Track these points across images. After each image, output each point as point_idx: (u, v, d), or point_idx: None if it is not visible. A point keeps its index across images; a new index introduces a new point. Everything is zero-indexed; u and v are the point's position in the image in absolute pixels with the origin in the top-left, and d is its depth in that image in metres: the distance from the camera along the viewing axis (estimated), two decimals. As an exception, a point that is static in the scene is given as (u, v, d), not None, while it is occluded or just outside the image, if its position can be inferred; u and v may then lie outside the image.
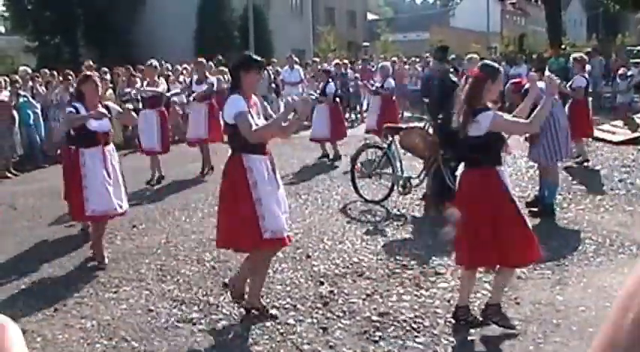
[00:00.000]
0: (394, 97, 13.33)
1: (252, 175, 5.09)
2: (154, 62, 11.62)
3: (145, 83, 11.41)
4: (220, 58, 20.36)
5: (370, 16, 67.53)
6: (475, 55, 13.11)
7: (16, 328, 0.99)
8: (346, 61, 22.48)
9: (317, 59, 23.82)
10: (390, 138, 9.10)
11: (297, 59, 20.87)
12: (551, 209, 8.26)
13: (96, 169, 6.73)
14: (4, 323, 0.98)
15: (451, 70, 9.80)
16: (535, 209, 8.27)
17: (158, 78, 12.07)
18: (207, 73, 12.25)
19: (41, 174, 12.79)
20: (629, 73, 19.76)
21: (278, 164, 11.42)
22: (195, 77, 12.46)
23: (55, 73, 15.87)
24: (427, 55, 24.47)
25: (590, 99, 11.59)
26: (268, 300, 5.72)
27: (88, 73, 7.76)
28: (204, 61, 13.04)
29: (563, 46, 31.06)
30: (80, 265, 6.98)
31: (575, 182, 10.18)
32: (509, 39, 58.00)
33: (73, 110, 6.83)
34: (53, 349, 4.96)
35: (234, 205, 5.13)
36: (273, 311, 5.45)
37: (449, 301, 5.60)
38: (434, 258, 6.69)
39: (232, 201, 5.15)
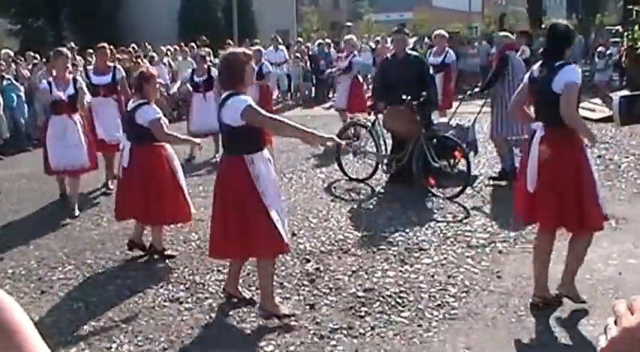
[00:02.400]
0: (359, 76, 13.15)
1: (260, 183, 4.83)
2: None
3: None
4: (204, 38, 20.25)
5: (353, -4, 67.18)
6: (442, 31, 13.21)
7: (18, 307, 0.98)
8: (329, 41, 22.45)
9: (300, 39, 23.79)
10: (374, 117, 9.14)
11: (281, 39, 20.86)
12: (512, 172, 8.25)
13: (59, 133, 8.19)
14: (5, 302, 0.96)
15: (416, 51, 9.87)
16: (502, 183, 8.66)
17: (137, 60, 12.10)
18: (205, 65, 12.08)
19: (27, 158, 12.71)
20: (608, 52, 19.87)
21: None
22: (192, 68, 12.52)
23: (39, 55, 15.75)
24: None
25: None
26: (254, 278, 5.78)
27: (60, 48, 8.37)
28: (204, 53, 13.07)
29: (543, 26, 31.13)
30: (67, 247, 6.99)
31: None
32: (491, 18, 58.01)
33: (47, 86, 8.11)
34: (41, 331, 4.94)
35: (246, 216, 4.86)
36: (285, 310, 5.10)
37: (433, 276, 5.70)
38: (418, 234, 6.78)
39: (242, 212, 4.86)
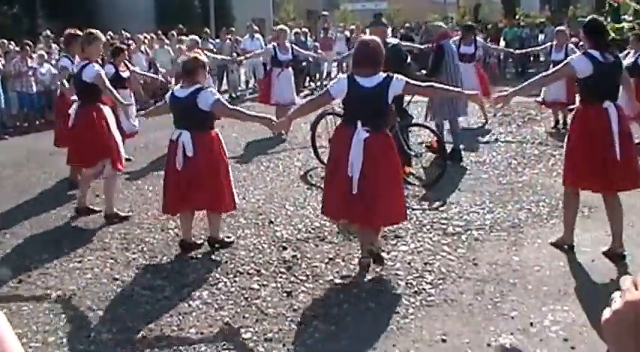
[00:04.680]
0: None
1: None
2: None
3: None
4: (181, 27, 20.13)
5: (329, -15, 67.00)
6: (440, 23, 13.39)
7: (4, 320, 1.02)
8: (305, 30, 22.42)
9: (277, 28, 23.73)
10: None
11: (257, 28, 20.76)
12: (459, 151, 9.59)
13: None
14: None
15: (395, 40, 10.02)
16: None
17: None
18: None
19: (1, 146, 12.59)
20: (581, 43, 20.02)
21: (239, 131, 11.51)
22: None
23: (13, 43, 15.58)
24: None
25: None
26: (232, 266, 5.81)
27: (92, 31, 7.63)
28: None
29: (517, 17, 31.37)
30: (44, 236, 6.96)
31: (528, 147, 10.44)
32: (465, 9, 58.17)
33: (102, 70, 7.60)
34: (19, 320, 4.94)
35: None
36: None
37: (409, 263, 5.76)
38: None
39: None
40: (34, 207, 8.04)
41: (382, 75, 5.34)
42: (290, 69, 12.65)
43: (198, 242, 6.40)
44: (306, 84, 20.48)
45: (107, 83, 7.36)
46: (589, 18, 6.31)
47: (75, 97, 7.87)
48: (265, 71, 19.86)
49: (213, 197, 6.07)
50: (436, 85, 6.32)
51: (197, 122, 6.00)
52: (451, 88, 6.98)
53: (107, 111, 7.45)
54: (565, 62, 5.99)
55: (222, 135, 6.36)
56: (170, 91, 6.39)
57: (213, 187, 6.05)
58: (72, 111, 7.57)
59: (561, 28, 12.67)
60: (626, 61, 10.49)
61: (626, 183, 5.72)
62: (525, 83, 6.26)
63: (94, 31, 7.58)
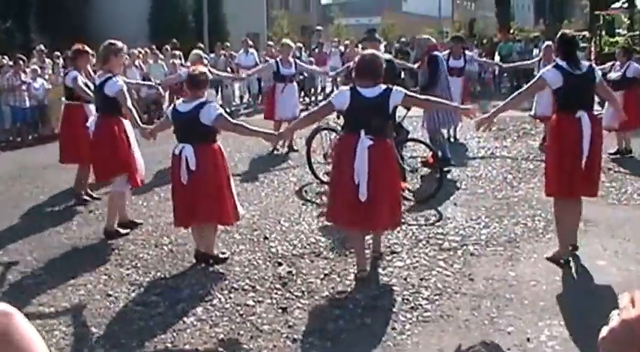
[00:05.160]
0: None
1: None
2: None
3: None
4: (175, 41, 20.15)
5: (324, 0, 67.40)
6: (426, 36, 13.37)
7: (22, 317, 1.03)
8: (300, 45, 22.46)
9: (271, 43, 23.77)
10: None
11: (251, 43, 20.80)
12: (448, 161, 9.76)
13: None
14: (11, 312, 1.02)
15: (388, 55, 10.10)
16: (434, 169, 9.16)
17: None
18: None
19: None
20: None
21: (234, 147, 11.49)
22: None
23: (7, 57, 15.56)
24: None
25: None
26: (227, 282, 5.77)
27: (114, 42, 7.43)
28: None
29: (511, 31, 31.58)
30: (36, 252, 6.90)
31: (524, 161, 10.45)
32: (460, 24, 58.55)
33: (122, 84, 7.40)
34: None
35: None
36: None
37: (405, 279, 5.72)
38: (390, 237, 6.80)
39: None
40: (26, 223, 7.99)
41: (382, 86, 5.55)
42: (294, 84, 12.50)
43: (223, 256, 6.40)
44: (300, 99, 20.47)
45: (128, 101, 7.19)
46: (560, 32, 6.61)
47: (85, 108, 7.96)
48: (260, 86, 19.96)
49: (218, 210, 6.08)
50: (432, 98, 6.60)
51: (200, 136, 6.00)
52: (447, 102, 7.11)
53: (128, 124, 7.29)
54: (537, 76, 6.20)
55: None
56: (172, 106, 6.40)
57: (218, 200, 6.05)
58: (91, 123, 7.51)
59: (549, 43, 12.70)
60: (615, 74, 10.58)
61: (584, 190, 5.99)
62: (504, 102, 6.53)
63: (116, 41, 7.44)
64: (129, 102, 7.18)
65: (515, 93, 6.53)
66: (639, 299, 1.03)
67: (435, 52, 10.01)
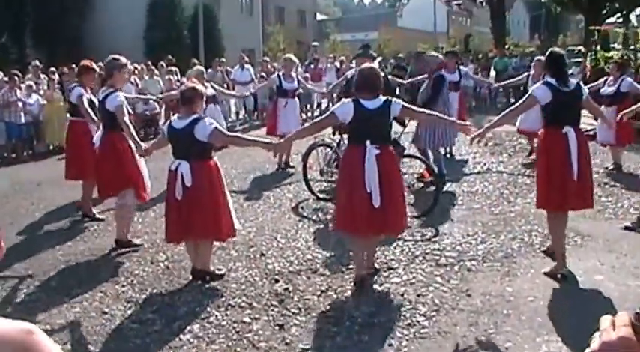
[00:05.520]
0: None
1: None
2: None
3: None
4: (170, 57, 20.18)
5: (319, 16, 67.73)
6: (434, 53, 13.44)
7: (44, 334, 1.06)
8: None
9: (267, 59, 23.82)
10: (340, 137, 9.14)
11: (247, 58, 20.83)
12: (443, 176, 9.62)
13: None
14: (32, 329, 1.04)
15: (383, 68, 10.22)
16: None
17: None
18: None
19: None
20: (570, 72, 20.19)
21: (230, 163, 11.46)
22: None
23: (2, 73, 15.57)
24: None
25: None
26: (223, 299, 5.74)
27: (116, 57, 7.47)
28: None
29: (507, 46, 31.70)
30: (31, 268, 6.86)
31: (520, 177, 10.46)
32: (456, 39, 58.73)
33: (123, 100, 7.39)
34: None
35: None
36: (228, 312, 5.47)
37: (402, 295, 5.70)
38: (386, 253, 6.79)
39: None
40: (21, 239, 7.96)
41: (382, 98, 5.75)
42: (296, 99, 12.37)
43: (219, 272, 6.38)
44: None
45: (126, 118, 7.16)
46: (550, 50, 6.72)
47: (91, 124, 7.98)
48: (255, 102, 19.98)
49: (214, 226, 6.07)
50: (429, 111, 6.82)
51: (195, 152, 6.01)
52: (444, 116, 7.28)
53: (133, 132, 7.25)
54: (528, 93, 6.31)
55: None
56: (167, 122, 6.40)
57: (213, 216, 6.05)
58: (96, 139, 7.50)
59: (539, 57, 12.74)
60: (608, 89, 10.63)
61: (580, 202, 6.15)
62: (497, 118, 6.64)
63: (119, 57, 7.46)
64: (126, 118, 7.16)
65: (507, 110, 6.63)
66: (620, 322, 1.03)
67: (443, 71, 10.08)
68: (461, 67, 13.22)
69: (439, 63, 10.23)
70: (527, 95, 6.32)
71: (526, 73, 13.02)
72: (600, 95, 10.86)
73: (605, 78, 11.36)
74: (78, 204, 8.89)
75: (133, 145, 7.14)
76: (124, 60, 7.47)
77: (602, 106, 10.39)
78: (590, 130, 11.36)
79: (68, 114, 9.30)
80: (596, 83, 11.53)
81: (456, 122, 6.98)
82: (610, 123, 7.47)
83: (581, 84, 6.47)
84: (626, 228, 7.42)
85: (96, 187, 7.83)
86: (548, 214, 6.27)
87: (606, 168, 10.78)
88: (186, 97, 6.15)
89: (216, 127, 6.05)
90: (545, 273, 6.10)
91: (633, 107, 7.91)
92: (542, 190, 6.18)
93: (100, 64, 11.04)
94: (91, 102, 8.38)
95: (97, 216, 8.68)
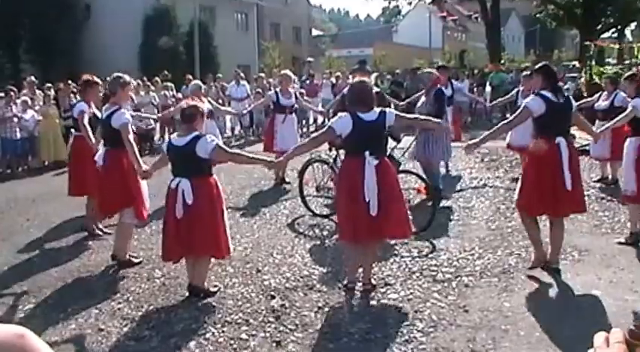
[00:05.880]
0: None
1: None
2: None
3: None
4: (166, 73, 20.20)
5: (315, 32, 67.95)
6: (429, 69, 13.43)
7: (36, 336, 1.09)
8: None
9: (262, 74, 23.87)
10: (335, 153, 9.12)
11: (242, 74, 20.85)
12: (439, 191, 9.76)
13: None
14: (24, 332, 1.08)
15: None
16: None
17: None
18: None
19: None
20: (566, 87, 20.31)
21: (226, 179, 11.43)
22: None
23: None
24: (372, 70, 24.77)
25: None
26: (220, 315, 5.71)
27: (120, 75, 7.50)
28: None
29: (502, 62, 31.84)
30: (26, 285, 6.82)
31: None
32: (451, 54, 59.05)
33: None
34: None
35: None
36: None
37: (400, 311, 5.68)
38: (383, 269, 6.76)
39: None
40: (16, 255, 7.91)
41: (377, 110, 5.91)
42: (294, 115, 12.26)
43: (213, 289, 6.35)
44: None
45: (131, 136, 7.10)
46: (541, 63, 7.06)
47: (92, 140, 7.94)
48: (252, 118, 19.98)
49: (213, 243, 6.07)
50: (420, 116, 7.15)
51: (196, 169, 6.02)
52: (432, 118, 7.50)
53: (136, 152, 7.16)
54: (522, 106, 6.51)
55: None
56: (167, 140, 6.38)
57: (213, 234, 6.05)
58: (98, 156, 7.48)
59: (526, 73, 12.76)
60: (602, 104, 10.67)
61: (573, 207, 6.55)
62: (491, 130, 6.82)
63: (123, 75, 7.48)
64: (131, 137, 7.13)
65: (502, 123, 6.93)
66: (614, 339, 1.03)
67: (440, 86, 10.10)
68: (454, 82, 13.24)
69: (434, 79, 10.23)
70: (521, 108, 6.51)
71: (516, 89, 13.01)
72: (595, 110, 10.93)
73: (599, 93, 11.40)
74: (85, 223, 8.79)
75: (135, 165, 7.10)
76: (127, 78, 7.50)
77: (597, 121, 10.47)
78: (585, 145, 11.40)
79: (72, 130, 9.24)
80: (591, 99, 11.56)
81: (435, 121, 7.37)
82: (598, 137, 7.57)
83: (571, 97, 6.75)
84: (620, 244, 7.43)
85: (97, 204, 7.78)
86: (526, 218, 6.67)
87: (596, 181, 10.83)
88: (187, 115, 6.14)
89: (218, 144, 6.07)
90: (529, 268, 6.56)
91: (609, 124, 7.95)
92: (528, 196, 6.44)
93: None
94: (94, 117, 8.36)
95: (99, 232, 8.61)
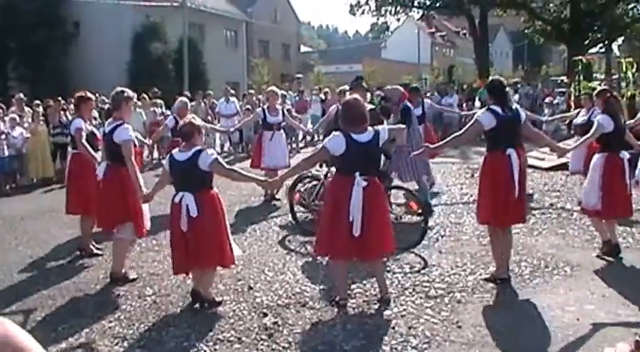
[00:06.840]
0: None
1: None
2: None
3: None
4: (156, 90, 20.18)
5: (304, 49, 68.21)
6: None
7: (12, 323, 1.17)
8: (284, 92, 22.61)
9: (252, 91, 23.89)
10: (327, 169, 9.10)
11: (232, 91, 20.85)
12: (430, 206, 9.98)
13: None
14: (2, 320, 1.15)
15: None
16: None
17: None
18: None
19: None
20: (555, 102, 20.44)
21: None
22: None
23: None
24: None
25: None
26: (212, 333, 5.66)
27: (123, 89, 7.48)
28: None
29: (490, 77, 32.01)
30: (15, 303, 6.75)
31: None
32: (439, 70, 59.34)
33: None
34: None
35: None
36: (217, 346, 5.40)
37: (393, 328, 5.64)
38: (376, 286, 6.72)
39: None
40: (4, 274, 7.83)
41: (371, 130, 5.94)
42: (282, 131, 12.19)
43: (217, 299, 6.44)
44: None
45: (132, 155, 7.06)
46: (490, 79, 7.34)
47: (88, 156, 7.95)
48: (241, 135, 19.97)
49: (219, 254, 6.19)
50: (402, 126, 7.27)
51: (199, 183, 6.13)
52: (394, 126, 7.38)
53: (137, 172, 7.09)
54: (473, 119, 6.71)
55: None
56: (168, 156, 6.40)
57: (218, 245, 6.16)
58: (99, 171, 7.44)
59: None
60: (580, 119, 10.74)
61: (516, 218, 6.76)
62: (445, 140, 7.24)
63: (126, 90, 7.47)
64: (133, 157, 7.09)
65: (454, 135, 7.21)
66: None
67: (406, 102, 10.16)
68: (425, 100, 13.54)
69: (400, 95, 10.27)
70: (472, 121, 6.72)
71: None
72: (573, 125, 11.08)
73: (578, 110, 11.57)
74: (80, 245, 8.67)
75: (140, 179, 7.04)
76: (130, 92, 7.51)
77: (576, 136, 10.61)
78: (565, 163, 11.47)
79: (69, 148, 9.17)
80: (570, 114, 11.77)
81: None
82: (560, 150, 7.48)
83: (520, 109, 6.91)
84: (599, 257, 7.47)
85: (96, 220, 7.76)
86: (490, 229, 6.88)
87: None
88: (185, 133, 6.24)
89: (216, 158, 6.16)
90: (485, 279, 6.80)
91: (580, 141, 8.11)
92: (486, 207, 6.68)
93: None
94: (91, 133, 8.32)
95: (95, 251, 8.51)
